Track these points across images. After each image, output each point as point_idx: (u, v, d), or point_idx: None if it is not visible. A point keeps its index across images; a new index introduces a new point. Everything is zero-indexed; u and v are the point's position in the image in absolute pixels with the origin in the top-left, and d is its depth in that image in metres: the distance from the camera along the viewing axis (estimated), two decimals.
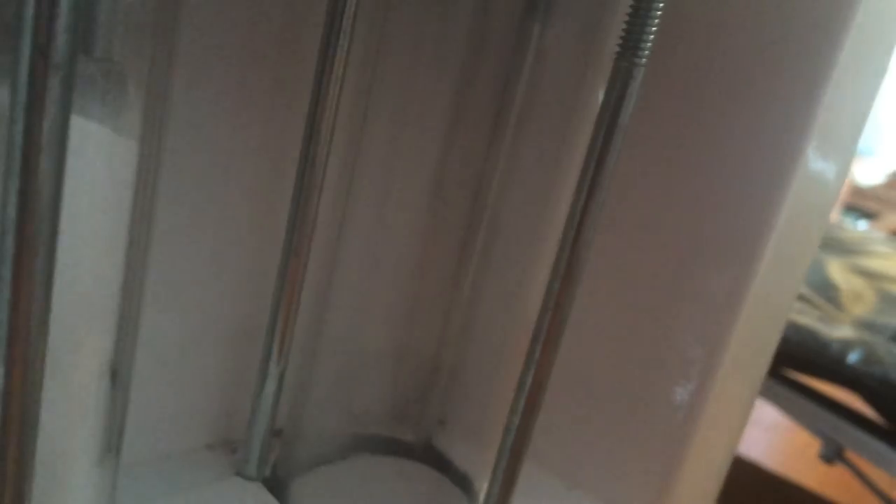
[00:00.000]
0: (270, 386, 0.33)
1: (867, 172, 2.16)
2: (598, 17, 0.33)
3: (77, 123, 0.17)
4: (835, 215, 2.04)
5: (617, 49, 0.26)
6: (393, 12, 0.33)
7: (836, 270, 0.97)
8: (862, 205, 2.13)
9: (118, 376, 0.23)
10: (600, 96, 0.32)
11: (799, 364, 0.81)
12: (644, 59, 0.26)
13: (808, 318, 0.82)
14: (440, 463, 0.39)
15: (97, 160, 0.19)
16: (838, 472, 0.88)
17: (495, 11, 0.35)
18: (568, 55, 0.35)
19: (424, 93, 0.35)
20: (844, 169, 0.37)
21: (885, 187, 2.14)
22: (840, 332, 0.80)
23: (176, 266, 0.32)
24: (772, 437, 1.18)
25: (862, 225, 1.95)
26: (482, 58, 0.36)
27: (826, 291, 0.92)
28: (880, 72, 0.35)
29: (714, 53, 0.35)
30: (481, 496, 0.31)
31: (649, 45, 0.26)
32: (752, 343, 0.38)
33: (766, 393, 0.83)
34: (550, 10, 0.34)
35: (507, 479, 0.30)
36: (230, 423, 0.36)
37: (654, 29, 0.26)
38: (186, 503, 0.31)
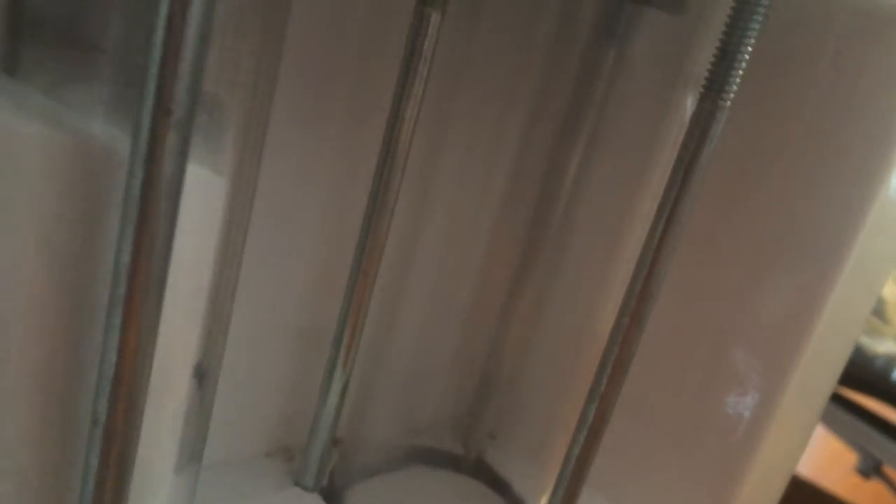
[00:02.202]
0: (334, 395, 0.33)
1: None
2: (679, 45, 0.33)
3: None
4: None
5: (701, 90, 0.26)
6: (478, 28, 0.33)
7: None
8: None
9: (206, 378, 0.23)
10: (677, 121, 0.32)
11: (842, 378, 0.80)
12: (729, 101, 0.26)
13: None
14: (490, 478, 0.39)
15: (194, 197, 0.19)
16: (873, 484, 0.87)
17: (572, 30, 0.35)
18: (645, 80, 0.35)
19: (499, 113, 0.35)
20: None
21: None
22: (885, 346, 0.79)
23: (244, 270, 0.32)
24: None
25: None
26: (557, 77, 0.36)
27: None
28: None
29: (801, 80, 0.34)
30: None
31: (735, 87, 0.26)
32: (819, 366, 0.36)
33: None
34: (628, 36, 0.34)
35: None
36: (288, 429, 0.36)
37: (741, 72, 0.26)
38: None
